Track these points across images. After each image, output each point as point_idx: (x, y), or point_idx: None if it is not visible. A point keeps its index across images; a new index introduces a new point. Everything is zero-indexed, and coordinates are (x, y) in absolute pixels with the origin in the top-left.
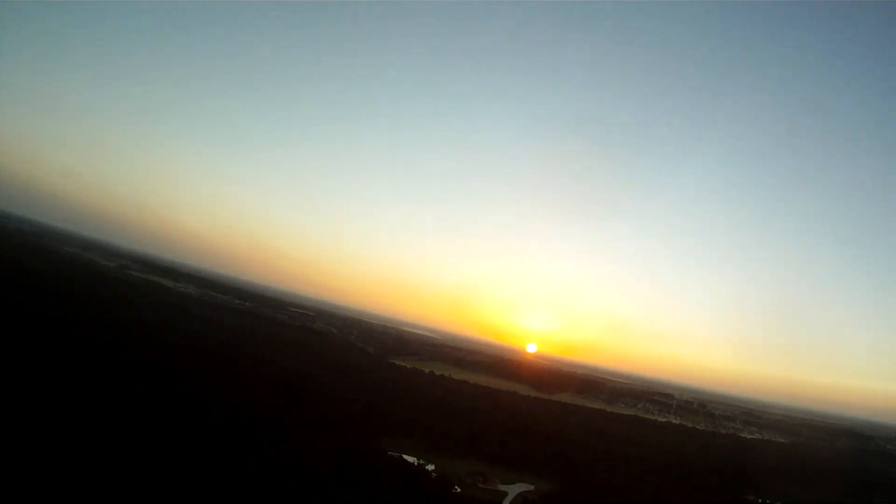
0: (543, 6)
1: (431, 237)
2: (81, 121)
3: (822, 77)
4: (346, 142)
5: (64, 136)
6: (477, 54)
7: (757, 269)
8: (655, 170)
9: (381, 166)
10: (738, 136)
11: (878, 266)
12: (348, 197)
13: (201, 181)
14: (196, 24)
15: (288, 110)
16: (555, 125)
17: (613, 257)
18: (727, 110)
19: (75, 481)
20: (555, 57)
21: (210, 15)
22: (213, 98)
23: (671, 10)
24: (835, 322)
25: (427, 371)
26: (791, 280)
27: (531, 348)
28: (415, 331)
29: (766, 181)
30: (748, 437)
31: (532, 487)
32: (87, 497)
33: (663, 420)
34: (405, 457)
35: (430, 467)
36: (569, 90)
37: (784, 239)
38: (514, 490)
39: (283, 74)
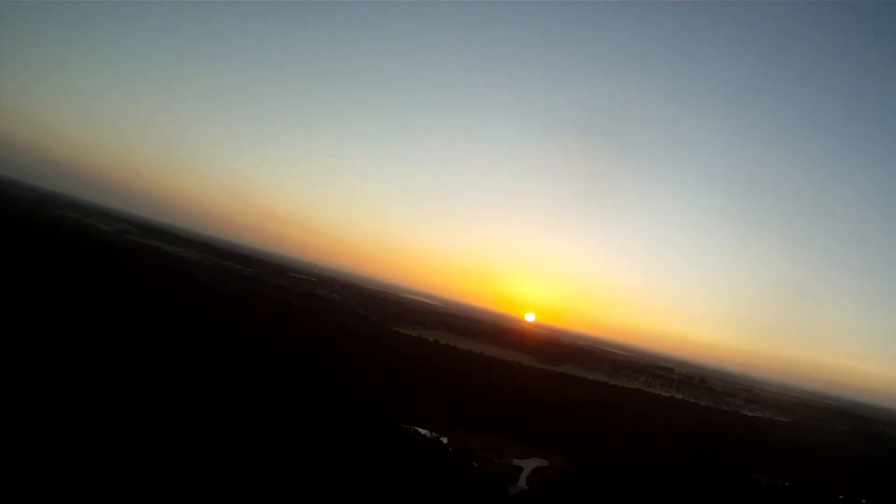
0: (549, 7)
1: (429, 205)
2: (80, 87)
3: (818, 77)
4: (349, 115)
5: (62, 103)
6: (482, 53)
7: (756, 248)
8: (657, 153)
9: (382, 135)
10: (742, 122)
11: (880, 250)
12: (349, 164)
13: (199, 145)
14: None
15: (290, 75)
16: (557, 116)
17: (612, 231)
18: (727, 106)
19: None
20: (558, 56)
21: None
22: (211, 64)
23: (673, 11)
24: (833, 303)
25: (432, 340)
26: (791, 261)
27: (530, 317)
28: (414, 297)
29: (762, 166)
30: (750, 414)
31: (546, 462)
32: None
33: (666, 394)
34: (419, 430)
35: (445, 440)
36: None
37: (785, 221)
38: (529, 465)
39: (284, 46)
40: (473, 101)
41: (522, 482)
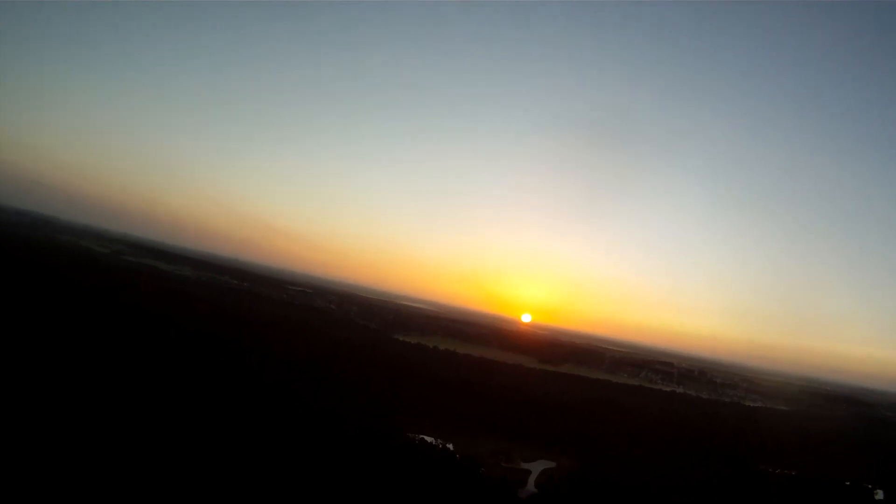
0: (549, 6)
1: (422, 211)
2: (70, 109)
3: (814, 78)
4: (339, 123)
5: (52, 125)
6: (482, 54)
7: (749, 238)
8: (649, 147)
9: (373, 141)
10: (736, 117)
11: (875, 235)
12: (341, 173)
13: (190, 162)
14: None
15: (279, 89)
16: (549, 116)
17: (605, 227)
18: (724, 104)
19: None
20: (559, 57)
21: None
22: (200, 80)
23: (674, 11)
24: (828, 289)
25: (432, 346)
26: (784, 249)
27: (526, 318)
28: (410, 304)
29: (754, 156)
30: (751, 405)
31: (554, 464)
32: None
33: (668, 389)
34: (424, 437)
35: (451, 447)
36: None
37: (777, 209)
38: (536, 468)
39: (271, 57)
40: (466, 104)
41: (531, 485)
